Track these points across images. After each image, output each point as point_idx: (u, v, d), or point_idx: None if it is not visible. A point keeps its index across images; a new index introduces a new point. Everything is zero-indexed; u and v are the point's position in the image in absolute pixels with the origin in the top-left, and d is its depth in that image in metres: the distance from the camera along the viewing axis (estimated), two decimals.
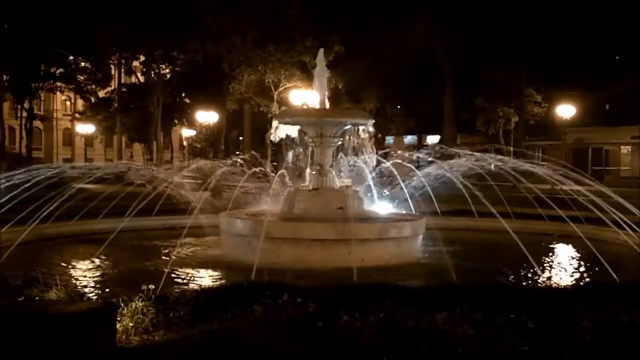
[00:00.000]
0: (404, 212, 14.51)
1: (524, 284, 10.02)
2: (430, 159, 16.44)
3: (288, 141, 15.33)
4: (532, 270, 10.72)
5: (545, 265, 12.15)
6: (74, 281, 9.77)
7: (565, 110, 43.77)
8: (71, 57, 49.63)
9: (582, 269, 11.90)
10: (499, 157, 16.96)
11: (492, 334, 5.82)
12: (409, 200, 14.69)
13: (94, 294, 7.09)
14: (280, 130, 14.76)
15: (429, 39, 42.31)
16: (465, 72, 45.56)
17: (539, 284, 10.21)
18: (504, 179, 16.37)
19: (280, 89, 42.11)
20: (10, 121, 63.13)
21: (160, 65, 47.61)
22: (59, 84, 53.36)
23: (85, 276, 10.82)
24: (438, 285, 7.83)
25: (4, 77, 48.64)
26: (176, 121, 63.17)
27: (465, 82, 46.63)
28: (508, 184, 18.81)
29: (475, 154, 16.22)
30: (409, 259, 12.19)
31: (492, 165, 16.68)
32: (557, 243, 14.95)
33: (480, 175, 15.81)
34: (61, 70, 50.52)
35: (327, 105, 15.59)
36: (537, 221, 16.24)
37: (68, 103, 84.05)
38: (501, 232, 12.16)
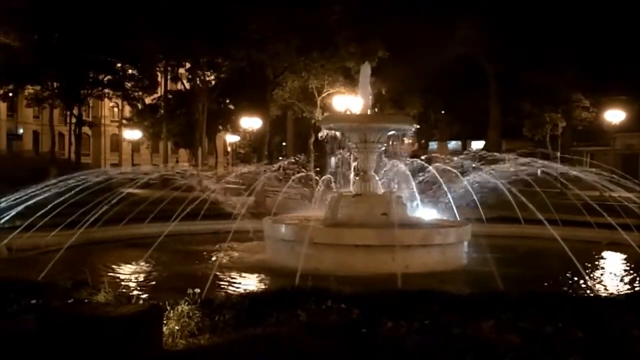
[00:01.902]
0: (448, 218, 14.36)
1: (572, 292, 9.82)
2: (474, 165, 16.27)
3: (331, 147, 15.36)
4: (580, 279, 10.50)
5: (593, 273, 11.89)
6: (121, 284, 9.94)
7: (614, 115, 42.81)
8: (119, 65, 50.67)
9: (632, 277, 11.61)
10: (546, 163, 16.70)
11: (540, 343, 5.71)
12: (454, 207, 14.53)
13: (140, 297, 7.18)
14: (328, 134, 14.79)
15: (473, 44, 41.85)
16: (511, 76, 44.89)
17: (588, 293, 9.98)
18: (551, 185, 16.10)
19: (323, 95, 42.22)
20: (60, 127, 64.73)
21: (206, 72, 48.21)
22: (107, 90, 54.49)
23: (132, 279, 11.01)
24: (483, 292, 7.71)
25: (54, 84, 49.92)
26: (220, 127, 63.84)
27: (511, 86, 45.94)
28: (555, 190, 18.48)
29: (522, 159, 15.99)
30: (454, 265, 12.07)
31: (539, 171, 16.43)
32: (605, 251, 14.61)
33: (527, 181, 15.57)
34: (109, 77, 51.60)
35: (371, 111, 15.56)
36: (585, 228, 15.88)
37: (115, 109, 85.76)
38: (548, 239, 11.93)
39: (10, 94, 55.29)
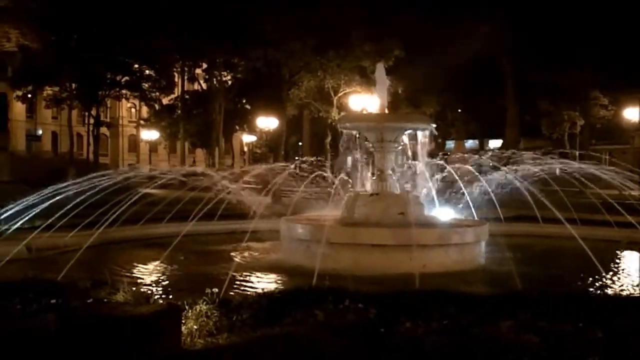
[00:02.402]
0: (466, 217, 14.30)
1: (591, 292, 9.74)
2: (492, 164, 16.19)
3: (348, 146, 15.34)
4: (600, 278, 10.40)
5: (613, 273, 11.76)
6: (139, 284, 10.00)
7: (633, 113, 42.41)
8: (136, 66, 51.02)
9: None
10: (564, 161, 16.57)
11: (559, 343, 5.67)
12: (471, 206, 14.45)
13: (159, 296, 7.22)
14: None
15: (490, 42, 41.65)
16: (528, 74, 44.64)
17: (608, 292, 9.89)
18: (570, 183, 15.96)
19: (339, 94, 42.25)
20: (78, 128, 65.32)
21: (222, 73, 48.44)
22: (124, 91, 54.90)
23: (150, 279, 11.06)
24: (502, 292, 7.68)
25: (73, 85, 50.36)
26: (237, 127, 64.09)
27: (528, 84, 45.70)
28: (573, 189, 18.31)
29: (540, 156, 15.89)
30: (472, 265, 12.00)
31: (557, 169, 16.30)
32: (625, 250, 14.46)
33: (545, 180, 15.46)
34: (127, 78, 51.98)
35: (387, 110, 15.53)
36: (604, 227, 15.72)
37: (133, 110, 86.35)
38: (567, 238, 11.83)
39: (29, 95, 55.85)
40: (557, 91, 45.06)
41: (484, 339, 5.78)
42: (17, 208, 12.65)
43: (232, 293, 7.91)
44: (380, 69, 16.37)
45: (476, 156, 17.89)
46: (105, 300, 6.76)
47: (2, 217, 13.12)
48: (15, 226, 12.42)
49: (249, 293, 8.49)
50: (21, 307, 6.96)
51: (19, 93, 54.70)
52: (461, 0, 41.38)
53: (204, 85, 54.90)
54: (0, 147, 47.00)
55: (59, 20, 40.88)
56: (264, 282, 10.78)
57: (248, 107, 58.67)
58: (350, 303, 6.54)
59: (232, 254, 13.32)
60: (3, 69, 57.40)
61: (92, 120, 54.50)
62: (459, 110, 59.02)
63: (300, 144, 63.18)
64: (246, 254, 13.30)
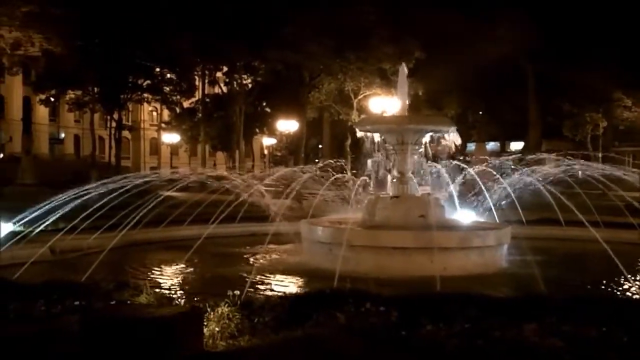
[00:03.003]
0: (487, 220, 14.21)
1: (615, 295, 9.63)
2: (513, 166, 16.09)
3: (368, 148, 15.33)
4: (623, 281, 10.29)
5: (637, 275, 11.62)
6: (162, 286, 10.07)
7: None
8: (157, 69, 51.35)
9: None
10: (587, 163, 16.42)
11: (583, 347, 5.61)
12: (493, 209, 14.37)
13: (181, 298, 7.26)
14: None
15: (511, 43, 41.37)
16: (550, 75, 44.27)
17: (632, 296, 9.77)
18: (592, 186, 15.82)
19: (359, 97, 42.19)
20: (100, 131, 65.87)
21: (242, 76, 48.57)
22: (146, 95, 55.24)
23: (172, 281, 11.15)
24: (524, 295, 7.61)
25: (95, 89, 50.84)
26: (257, 130, 64.22)
27: (550, 86, 45.32)
28: (596, 192, 18.14)
29: (562, 159, 15.77)
30: (493, 268, 11.93)
31: (580, 172, 16.16)
32: None
33: (567, 182, 15.33)
34: (148, 82, 52.32)
35: (408, 112, 15.50)
36: (628, 230, 15.55)
37: (154, 113, 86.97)
38: (590, 241, 11.73)
39: (53, 99, 56.45)
40: (580, 92, 44.62)
41: (506, 343, 5.74)
42: (40, 211, 12.77)
43: (253, 295, 7.93)
44: (402, 72, 16.35)
45: (497, 159, 17.78)
46: (128, 302, 6.81)
47: (27, 219, 13.29)
48: (39, 229, 12.56)
49: (270, 295, 8.51)
50: (45, 308, 7.05)
51: (42, 97, 55.29)
52: (482, 0, 41.17)
53: (225, 89, 55.05)
54: (24, 150, 47.46)
55: (81, 25, 41.27)
56: (285, 285, 10.80)
57: (268, 110, 58.79)
58: (372, 306, 6.53)
59: (253, 256, 13.38)
60: (27, 73, 58.14)
61: (114, 124, 54.92)
62: (480, 112, 58.67)
63: (320, 146, 63.23)
64: (267, 256, 13.34)
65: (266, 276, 11.16)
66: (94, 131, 54.67)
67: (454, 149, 14.80)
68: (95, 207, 12.74)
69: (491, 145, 65.01)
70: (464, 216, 14.28)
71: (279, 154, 75.95)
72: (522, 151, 43.29)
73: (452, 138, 14.49)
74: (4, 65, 55.51)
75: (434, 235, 11.19)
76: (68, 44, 42.91)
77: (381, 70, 40.19)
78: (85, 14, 40.21)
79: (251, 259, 13.25)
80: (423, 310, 6.37)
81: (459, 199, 14.64)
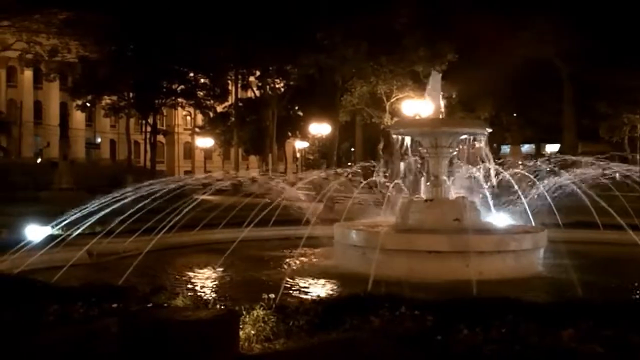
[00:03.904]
0: (523, 224, 14.04)
1: None
2: (549, 168, 15.88)
3: (401, 152, 15.27)
4: None
5: None
6: (197, 289, 10.15)
7: None
8: (191, 74, 51.91)
9: None
10: (624, 165, 16.13)
11: (624, 353, 5.51)
12: (529, 212, 14.19)
13: (216, 301, 7.31)
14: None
15: (546, 44, 40.84)
16: (586, 76, 43.58)
17: None
18: (630, 188, 15.52)
19: (392, 100, 42.08)
20: (135, 136, 66.81)
21: (275, 80, 48.83)
22: (180, 100, 55.91)
23: (207, 284, 11.23)
24: (562, 300, 7.50)
25: (130, 94, 51.59)
26: (290, 134, 64.50)
27: (586, 87, 44.62)
28: (635, 194, 17.79)
29: (599, 161, 15.52)
30: (530, 272, 11.77)
31: (617, 174, 15.89)
32: None
33: (605, 185, 15.08)
34: (182, 86, 52.93)
35: (441, 115, 15.40)
36: None
37: (188, 118, 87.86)
38: (628, 245, 11.51)
39: (89, 105, 57.44)
40: (616, 93, 43.85)
41: (544, 348, 5.66)
42: (78, 214, 12.97)
43: (288, 299, 7.95)
44: (435, 75, 16.26)
45: (533, 161, 17.57)
46: (165, 305, 6.88)
47: (64, 223, 13.51)
48: (77, 232, 12.76)
49: (304, 299, 8.52)
50: (84, 311, 7.16)
51: (79, 102, 56.38)
52: (517, 1, 40.71)
53: (257, 93, 55.43)
54: (61, 155, 48.34)
55: (116, 31, 41.93)
56: (319, 288, 10.80)
57: (300, 113, 59.02)
58: (407, 310, 6.49)
59: (287, 259, 13.41)
60: (64, 80, 59.24)
61: (149, 128, 55.69)
62: (515, 115, 58.00)
63: (352, 149, 63.18)
64: (301, 259, 13.35)
65: (300, 279, 11.18)
66: (130, 136, 55.50)
67: (487, 152, 14.66)
68: (131, 210, 12.90)
69: (526, 148, 64.25)
70: (499, 219, 14.12)
71: (311, 157, 76.13)
72: (558, 154, 42.71)
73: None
74: (42, 71, 56.76)
75: (469, 239, 11.08)
76: (103, 50, 43.62)
77: (414, 73, 40.04)
78: (120, 20, 40.83)
79: (285, 263, 13.29)
80: (459, 314, 6.31)
81: (494, 202, 14.48)
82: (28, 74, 75.82)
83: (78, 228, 12.77)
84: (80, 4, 32.56)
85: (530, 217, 14.22)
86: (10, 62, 71.12)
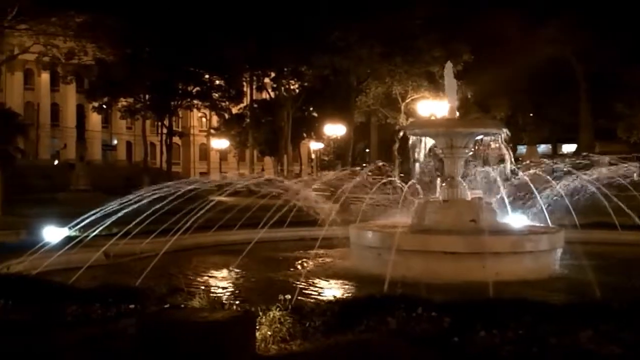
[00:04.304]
0: (540, 224, 13.95)
1: None
2: (565, 169, 15.77)
3: (416, 152, 15.23)
4: None
5: None
6: (213, 290, 10.19)
7: None
8: (207, 76, 52.11)
9: None
10: None
11: None
12: (545, 212, 14.10)
13: (233, 302, 7.33)
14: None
15: (562, 43, 40.57)
16: (602, 76, 43.25)
17: None
18: None
19: (407, 100, 42.00)
20: (151, 137, 67.17)
21: (290, 81, 48.88)
22: (195, 101, 56.14)
23: (223, 285, 11.27)
24: (580, 301, 7.44)
25: (146, 96, 51.88)
26: (305, 135, 64.54)
27: (603, 86, 44.26)
28: None
29: (616, 161, 15.40)
30: (546, 273, 11.69)
31: (635, 174, 15.75)
32: None
33: (622, 185, 14.96)
34: (197, 88, 53.15)
35: (457, 115, 15.33)
36: None
37: (204, 120, 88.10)
38: None
39: (105, 107, 57.83)
40: (633, 93, 43.45)
41: (562, 350, 5.63)
42: (94, 216, 13.04)
43: (303, 299, 7.95)
44: (449, 72, 16.17)
45: (549, 161, 17.47)
46: (182, 305, 6.92)
47: (81, 224, 13.60)
48: (94, 233, 12.85)
49: (320, 300, 8.52)
50: (102, 311, 7.21)
51: (95, 104, 56.76)
52: (531, 0, 40.50)
53: (272, 94, 55.54)
54: (78, 157, 48.75)
55: (132, 33, 42.19)
56: (335, 289, 10.80)
57: (315, 114, 59.07)
58: (423, 311, 6.47)
59: (303, 260, 13.41)
60: (80, 82, 59.69)
61: (164, 130, 55.97)
62: (531, 114, 57.65)
63: (367, 150, 63.12)
64: (316, 260, 13.35)
65: (316, 280, 11.18)
66: (146, 137, 55.80)
67: (504, 152, 14.57)
68: (147, 212, 12.97)
69: (542, 148, 63.84)
70: (516, 220, 14.03)
71: (326, 158, 76.12)
72: (574, 154, 42.41)
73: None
74: (59, 74, 57.23)
75: (485, 240, 11.03)
76: (119, 53, 43.90)
77: (429, 73, 39.94)
78: (136, 22, 41.08)
79: (301, 264, 13.29)
80: (476, 316, 6.28)
81: (510, 203, 14.40)
82: (45, 76, 76.49)
83: (95, 229, 12.86)
84: (97, 7, 32.82)
85: (547, 217, 14.13)
86: (28, 64, 71.88)
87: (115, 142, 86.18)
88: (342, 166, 46.35)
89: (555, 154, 57.09)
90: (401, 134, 15.24)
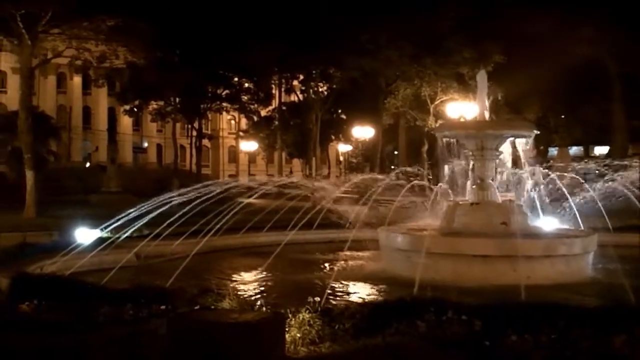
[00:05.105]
0: (572, 227, 13.76)
1: None
2: (598, 171, 15.55)
3: (446, 154, 15.14)
4: None
5: None
6: (242, 291, 10.24)
7: None
8: (236, 79, 52.42)
9: None
10: None
11: None
12: (577, 215, 13.90)
13: (262, 304, 7.36)
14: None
15: (595, 43, 39.92)
16: (637, 76, 42.47)
17: None
18: None
19: (436, 102, 41.76)
20: (181, 140, 67.73)
21: (318, 84, 48.91)
22: (225, 104, 56.48)
23: (252, 286, 11.31)
24: (613, 305, 7.32)
25: (176, 99, 52.34)
26: (333, 137, 64.59)
27: (637, 87, 43.47)
28: None
29: None
30: (579, 277, 11.53)
31: None
32: None
33: None
34: (227, 91, 53.49)
35: (487, 117, 15.21)
36: None
37: (233, 122, 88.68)
38: None
39: (136, 110, 58.47)
40: None
41: (595, 354, 5.55)
42: (126, 217, 13.19)
43: (333, 302, 7.95)
44: (481, 76, 16.06)
45: (581, 163, 17.24)
46: (212, 307, 6.96)
47: (113, 226, 13.77)
48: (125, 235, 13.00)
49: (349, 302, 8.51)
50: (133, 312, 7.29)
51: (127, 107, 57.41)
52: (564, 0, 39.94)
53: (301, 97, 55.66)
54: (110, 159, 49.41)
55: (163, 37, 42.58)
56: (364, 292, 10.77)
57: (344, 117, 59.06)
58: (453, 314, 6.43)
59: (332, 262, 13.42)
60: (112, 85, 60.45)
61: (194, 133, 56.41)
62: (562, 116, 56.88)
63: (396, 152, 62.88)
64: (345, 263, 13.35)
65: (345, 283, 11.17)
66: (176, 140, 56.26)
67: (535, 154, 14.42)
68: (178, 214, 13.08)
69: (574, 150, 62.96)
70: (548, 223, 13.87)
71: (354, 160, 76.00)
72: (607, 156, 41.78)
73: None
74: (91, 77, 58.03)
75: (517, 243, 10.91)
76: (150, 56, 44.34)
77: (459, 74, 39.65)
78: (166, 26, 41.45)
79: (329, 266, 13.30)
80: (507, 320, 6.22)
81: (542, 205, 14.23)
82: (77, 80, 77.71)
83: (126, 231, 13.01)
84: (128, 11, 33.21)
85: (579, 220, 13.94)
86: (61, 68, 73.08)
87: (145, 144, 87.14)
88: (371, 168, 46.26)
89: (587, 156, 56.22)
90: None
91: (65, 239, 13.77)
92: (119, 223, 13.30)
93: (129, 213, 13.21)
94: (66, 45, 34.49)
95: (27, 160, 31.50)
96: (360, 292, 10.73)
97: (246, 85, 54.07)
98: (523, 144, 14.51)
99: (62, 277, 9.06)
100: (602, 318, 6.43)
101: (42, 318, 7.32)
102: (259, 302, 7.29)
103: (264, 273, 12.39)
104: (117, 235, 13.12)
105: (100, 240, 13.02)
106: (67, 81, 80.00)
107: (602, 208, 14.18)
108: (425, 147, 43.01)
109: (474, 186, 13.62)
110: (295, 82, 55.83)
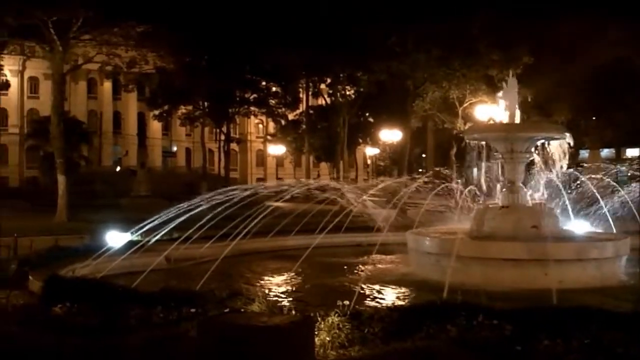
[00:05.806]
0: (604, 231, 13.55)
1: None
2: (631, 173, 15.32)
3: (475, 157, 15.03)
4: None
5: None
6: (271, 295, 10.26)
7: None
8: (263, 83, 52.65)
9: None
10: None
11: None
12: (609, 218, 13.69)
13: (291, 307, 7.37)
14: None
15: (625, 44, 39.30)
16: None
17: None
18: None
19: (465, 105, 41.44)
20: (209, 144, 68.26)
21: (346, 87, 48.83)
22: (252, 108, 56.78)
23: (281, 290, 11.34)
24: None
25: (205, 104, 52.75)
26: (360, 140, 64.41)
27: None
28: None
29: None
30: (611, 281, 11.34)
31: None
32: None
33: None
34: (254, 95, 53.76)
35: (518, 119, 15.05)
36: None
37: (260, 126, 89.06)
38: None
39: (165, 114, 59.05)
40: None
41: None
42: (156, 221, 13.30)
43: (362, 306, 7.93)
44: (511, 81, 15.89)
45: (613, 166, 16.98)
46: (242, 310, 6.99)
47: (143, 229, 13.90)
48: (155, 238, 13.11)
49: (379, 306, 8.48)
50: (163, 315, 7.35)
51: (156, 112, 58.03)
52: (592, 1, 39.41)
53: (328, 100, 55.65)
54: (139, 164, 49.99)
55: (192, 42, 42.95)
56: (393, 295, 10.73)
57: (371, 120, 58.89)
58: (484, 319, 6.37)
59: (360, 266, 13.38)
60: (141, 90, 61.16)
61: (222, 137, 56.78)
62: (593, 118, 56.07)
63: (423, 155, 62.55)
64: (374, 266, 13.30)
65: (374, 286, 11.13)
66: (204, 144, 56.71)
67: (566, 156, 14.23)
68: (207, 217, 13.16)
69: (605, 152, 62.05)
70: (579, 227, 13.68)
71: (382, 163, 75.82)
72: (639, 158, 41.10)
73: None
74: (121, 83, 58.80)
75: (548, 247, 10.77)
76: (179, 61, 44.74)
77: (487, 77, 39.28)
78: (195, 31, 41.81)
79: (358, 269, 13.26)
80: (539, 324, 6.14)
81: (573, 208, 14.04)
82: (107, 85, 78.72)
83: (156, 234, 13.12)
84: (157, 17, 33.61)
85: (612, 224, 13.73)
86: (91, 74, 74.02)
87: (175, 148, 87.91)
88: (399, 172, 46.05)
89: (618, 158, 55.43)
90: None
91: (97, 243, 13.94)
92: (149, 226, 13.42)
93: (159, 216, 13.33)
94: (96, 51, 34.97)
95: (59, 165, 32.00)
96: (389, 295, 10.69)
97: (274, 89, 54.26)
98: (556, 147, 14.32)
99: (93, 280, 9.18)
100: (636, 323, 6.32)
101: (74, 320, 7.42)
102: (288, 306, 7.30)
103: (293, 276, 12.41)
104: (147, 239, 13.25)
105: (131, 244, 13.15)
106: (98, 86, 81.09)
107: (634, 211, 13.95)
108: (454, 150, 42.70)
109: (504, 189, 13.50)
110: (322, 86, 55.81)
